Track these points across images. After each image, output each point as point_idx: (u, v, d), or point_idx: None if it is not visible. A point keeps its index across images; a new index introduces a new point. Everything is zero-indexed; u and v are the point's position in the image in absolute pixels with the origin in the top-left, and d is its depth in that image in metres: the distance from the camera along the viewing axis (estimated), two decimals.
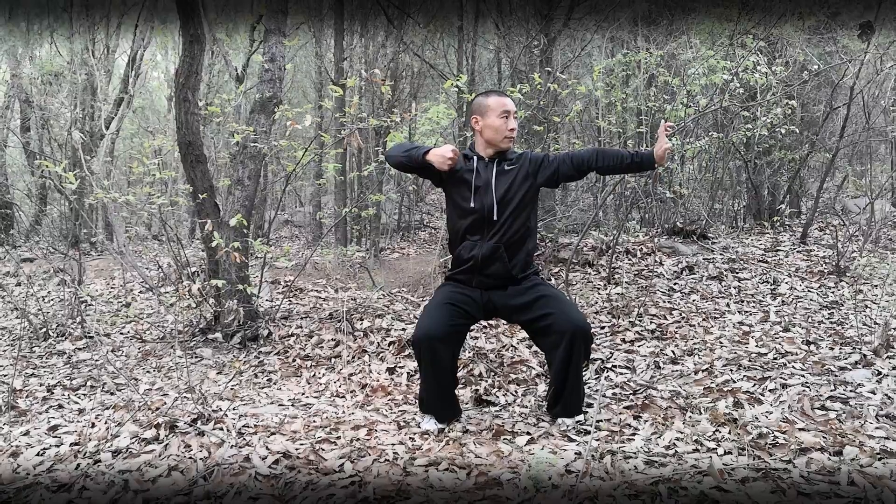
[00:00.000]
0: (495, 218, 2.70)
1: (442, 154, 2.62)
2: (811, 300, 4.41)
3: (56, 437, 2.62)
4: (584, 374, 2.76)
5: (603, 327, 4.09)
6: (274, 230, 10.62)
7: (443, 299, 2.74)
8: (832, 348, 3.48)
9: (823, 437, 2.39)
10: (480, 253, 2.71)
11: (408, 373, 3.47)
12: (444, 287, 2.83)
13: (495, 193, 2.70)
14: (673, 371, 3.32)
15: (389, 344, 3.89)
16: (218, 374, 3.57)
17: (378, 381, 3.39)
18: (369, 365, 3.61)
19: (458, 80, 4.86)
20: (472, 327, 3.17)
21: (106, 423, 2.73)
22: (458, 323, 2.69)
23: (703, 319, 4.11)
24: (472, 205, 2.71)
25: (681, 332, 3.91)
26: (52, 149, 10.32)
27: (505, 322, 4.06)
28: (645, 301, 4.44)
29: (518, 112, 5.45)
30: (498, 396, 3.12)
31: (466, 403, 3.03)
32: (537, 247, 2.84)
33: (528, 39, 6.36)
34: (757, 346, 3.58)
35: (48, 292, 5.64)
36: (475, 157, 2.77)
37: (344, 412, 2.93)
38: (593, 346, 3.75)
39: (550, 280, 5.23)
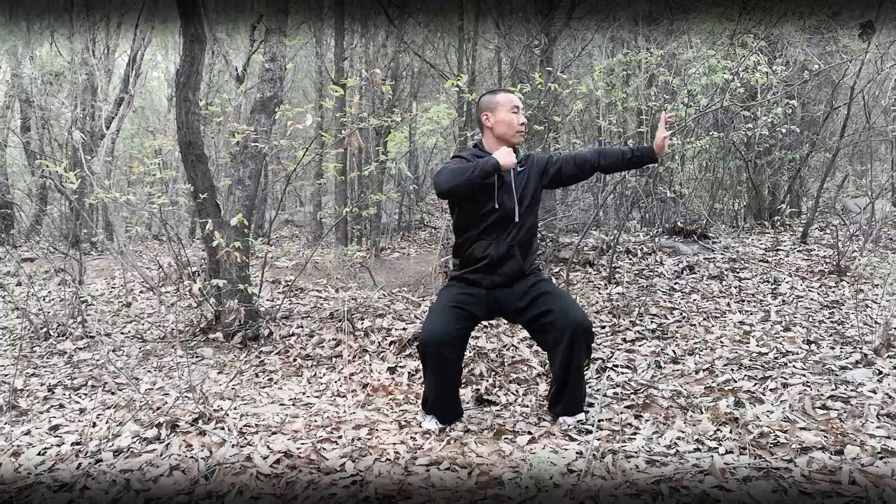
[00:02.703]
0: (516, 219, 2.72)
1: (507, 159, 2.60)
2: (812, 300, 4.41)
3: (57, 436, 2.62)
4: (585, 373, 2.76)
5: (604, 327, 4.09)
6: (274, 230, 10.62)
7: (449, 302, 2.73)
8: (833, 348, 3.48)
9: (824, 437, 2.39)
10: (497, 252, 2.71)
11: (408, 372, 3.47)
12: (449, 288, 2.82)
13: (516, 193, 2.73)
14: (674, 370, 3.32)
15: (390, 343, 3.89)
16: (219, 373, 3.57)
17: (379, 380, 3.39)
18: (370, 364, 3.61)
19: (458, 79, 4.86)
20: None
21: (107, 422, 2.73)
22: (463, 326, 2.70)
23: (704, 319, 4.11)
24: (496, 205, 2.70)
25: (681, 331, 3.91)
26: (52, 149, 10.32)
27: (506, 322, 4.07)
28: (646, 300, 4.44)
29: None
30: (499, 396, 3.12)
31: (468, 403, 3.03)
32: (538, 245, 2.87)
33: (529, 39, 6.35)
34: (758, 345, 3.58)
35: (49, 292, 5.64)
36: None
37: (345, 412, 2.93)
38: (594, 345, 3.75)
39: (552, 280, 5.23)
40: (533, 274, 2.80)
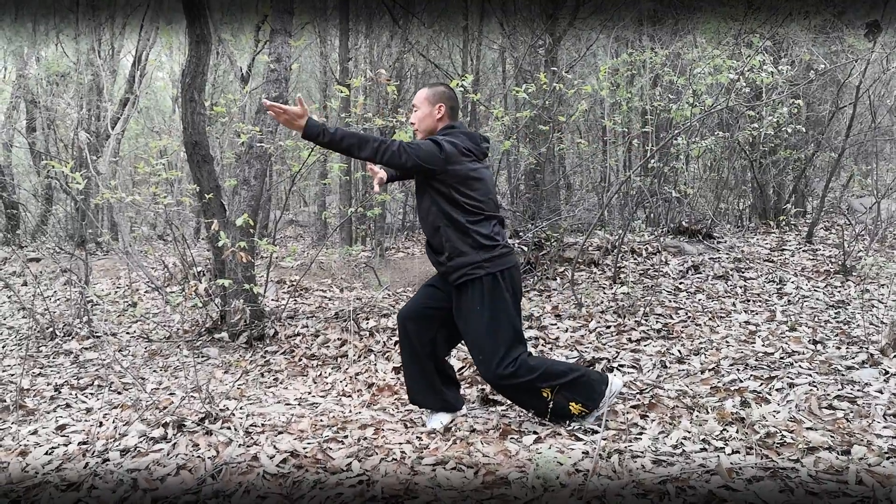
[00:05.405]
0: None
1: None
2: (817, 299, 4.39)
3: (64, 436, 2.63)
4: (542, 391, 2.63)
5: (609, 326, 4.09)
6: (279, 230, 10.65)
7: (426, 283, 2.84)
8: (839, 347, 3.47)
9: (831, 437, 2.39)
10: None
11: None
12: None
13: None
14: (679, 370, 3.31)
15: (395, 343, 3.89)
16: (224, 373, 3.58)
17: (384, 380, 3.39)
18: (375, 364, 3.62)
19: (462, 79, 4.86)
20: None
21: (114, 422, 2.74)
22: (433, 306, 2.72)
23: (710, 319, 4.10)
24: None
25: (687, 331, 3.90)
26: (58, 149, 10.36)
27: None
28: (651, 300, 4.43)
29: (524, 112, 5.46)
30: None
31: (473, 403, 3.03)
32: (468, 241, 2.63)
33: (534, 39, 6.35)
34: (763, 345, 3.57)
35: (54, 292, 5.66)
36: None
37: (351, 411, 2.94)
38: (599, 345, 3.75)
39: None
40: (466, 285, 2.59)
